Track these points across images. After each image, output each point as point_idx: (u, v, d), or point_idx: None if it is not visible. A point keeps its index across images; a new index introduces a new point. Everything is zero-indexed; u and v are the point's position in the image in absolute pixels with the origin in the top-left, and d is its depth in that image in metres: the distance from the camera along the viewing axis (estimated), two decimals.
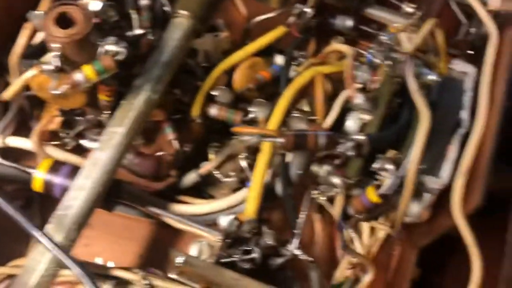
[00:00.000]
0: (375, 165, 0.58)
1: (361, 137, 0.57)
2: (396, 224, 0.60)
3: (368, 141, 0.57)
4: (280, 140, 0.57)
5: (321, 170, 0.63)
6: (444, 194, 0.60)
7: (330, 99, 0.74)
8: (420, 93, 0.54)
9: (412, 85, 0.55)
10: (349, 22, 0.80)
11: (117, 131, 0.63)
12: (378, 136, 0.58)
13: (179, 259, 0.58)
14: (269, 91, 0.81)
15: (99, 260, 0.74)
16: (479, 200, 0.50)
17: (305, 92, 0.84)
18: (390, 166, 0.57)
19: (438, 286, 0.74)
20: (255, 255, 0.66)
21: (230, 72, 0.79)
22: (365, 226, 0.74)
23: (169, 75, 0.68)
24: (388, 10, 0.80)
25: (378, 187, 0.58)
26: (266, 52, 0.84)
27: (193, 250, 0.74)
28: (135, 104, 0.65)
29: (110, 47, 0.60)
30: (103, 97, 0.68)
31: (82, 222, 0.58)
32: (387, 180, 0.57)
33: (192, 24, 0.70)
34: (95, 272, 0.62)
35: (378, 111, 0.60)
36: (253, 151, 0.78)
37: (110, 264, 0.73)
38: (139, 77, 0.67)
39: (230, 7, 0.89)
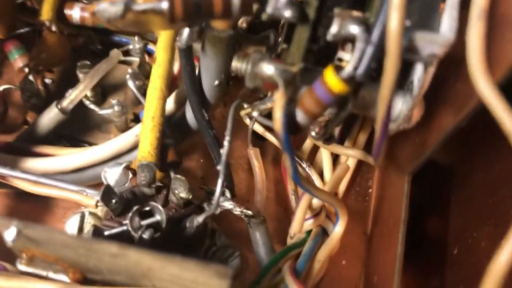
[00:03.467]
0: (333, 30, 0.34)
1: None
2: (376, 136, 0.37)
3: None
4: (163, 5, 0.32)
5: (246, 64, 0.39)
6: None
7: None
8: None
9: None
10: None
11: None
12: None
13: (9, 233, 0.32)
14: None
15: None
16: None
17: None
18: (356, 28, 0.33)
19: (435, 231, 0.52)
20: (157, 217, 0.41)
21: None
22: (324, 155, 0.51)
23: None
24: None
25: (339, 68, 0.35)
26: None
27: (70, 226, 0.49)
28: None
29: None
30: None
31: None
32: (356, 51, 0.34)
33: None
34: None
35: None
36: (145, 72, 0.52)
37: None
38: None
39: None
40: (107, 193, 0.42)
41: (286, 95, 0.36)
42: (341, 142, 0.52)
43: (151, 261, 0.34)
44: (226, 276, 0.34)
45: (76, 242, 0.34)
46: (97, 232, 0.40)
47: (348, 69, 0.34)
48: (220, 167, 0.40)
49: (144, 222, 0.40)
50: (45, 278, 0.37)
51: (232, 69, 0.40)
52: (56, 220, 0.50)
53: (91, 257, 0.35)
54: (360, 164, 0.54)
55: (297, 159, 0.49)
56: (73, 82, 0.51)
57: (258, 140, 0.53)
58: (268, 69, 0.37)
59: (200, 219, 0.42)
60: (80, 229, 0.48)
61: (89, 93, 0.52)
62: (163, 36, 0.47)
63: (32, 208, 0.49)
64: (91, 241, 0.34)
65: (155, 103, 0.45)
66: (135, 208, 0.40)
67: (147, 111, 0.44)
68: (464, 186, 0.47)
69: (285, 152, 0.36)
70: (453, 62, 0.35)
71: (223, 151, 0.41)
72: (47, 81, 0.53)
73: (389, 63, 0.33)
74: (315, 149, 0.52)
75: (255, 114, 0.42)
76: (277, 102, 0.36)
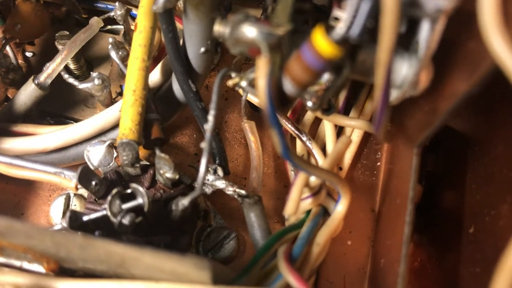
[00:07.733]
0: None
1: None
2: (376, 106, 0.32)
3: None
4: None
5: (228, 27, 0.34)
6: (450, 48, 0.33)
7: None
8: None
9: None
10: None
11: None
12: None
13: None
14: None
15: None
16: None
17: None
18: None
19: (450, 206, 0.47)
20: (139, 200, 0.37)
21: None
22: (327, 127, 0.46)
23: None
24: None
25: (330, 29, 0.30)
26: None
27: (55, 209, 0.46)
28: None
29: None
30: None
31: None
32: (348, 8, 0.29)
33: None
34: None
35: None
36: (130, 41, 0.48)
37: None
38: None
39: None
40: (85, 175, 0.39)
41: (270, 62, 0.32)
42: (346, 111, 0.48)
43: (123, 251, 0.31)
44: (205, 268, 0.31)
45: (39, 233, 0.30)
46: (75, 218, 0.37)
47: (339, 29, 0.30)
48: (203, 145, 0.36)
49: (125, 206, 0.37)
50: (19, 269, 0.35)
51: (215, 34, 0.36)
52: (41, 203, 0.47)
53: (60, 248, 0.32)
54: (368, 134, 0.49)
55: (297, 132, 0.45)
56: (56, 54, 0.47)
57: (255, 111, 0.49)
58: (249, 32, 0.32)
59: (185, 202, 0.38)
60: (65, 212, 0.45)
61: (72, 66, 0.48)
62: (145, 0, 0.42)
63: (16, 190, 0.47)
64: (54, 232, 0.30)
65: (136, 75, 0.41)
66: (115, 190, 0.37)
67: (128, 84, 0.41)
68: (482, 159, 0.42)
69: (271, 126, 0.32)
70: (463, 18, 0.30)
71: (207, 127, 0.37)
72: (28, 54, 0.49)
73: (386, 20, 0.28)
74: (317, 121, 0.48)
75: (243, 84, 0.38)
76: (260, 69, 0.31)
